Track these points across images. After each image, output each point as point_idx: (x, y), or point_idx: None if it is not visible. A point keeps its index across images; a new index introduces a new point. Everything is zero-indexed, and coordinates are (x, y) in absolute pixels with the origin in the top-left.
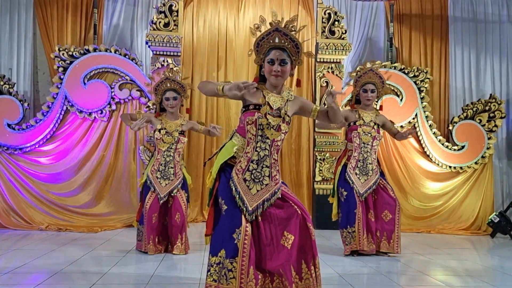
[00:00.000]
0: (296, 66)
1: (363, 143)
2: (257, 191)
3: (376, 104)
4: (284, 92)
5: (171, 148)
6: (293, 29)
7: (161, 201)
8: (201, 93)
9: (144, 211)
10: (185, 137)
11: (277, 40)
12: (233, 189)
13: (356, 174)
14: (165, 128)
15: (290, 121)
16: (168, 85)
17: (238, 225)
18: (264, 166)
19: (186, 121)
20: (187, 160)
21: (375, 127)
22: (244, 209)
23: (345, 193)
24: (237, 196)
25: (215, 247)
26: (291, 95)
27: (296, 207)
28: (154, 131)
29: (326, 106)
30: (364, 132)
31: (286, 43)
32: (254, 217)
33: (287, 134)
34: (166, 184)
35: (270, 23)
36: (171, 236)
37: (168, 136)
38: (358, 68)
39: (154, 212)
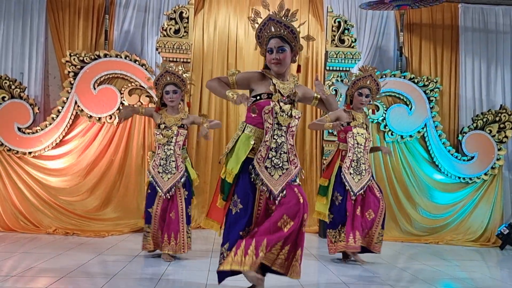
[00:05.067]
0: (298, 52)
1: (357, 143)
2: (279, 176)
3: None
4: (290, 79)
5: (171, 142)
6: (287, 16)
7: (165, 196)
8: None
9: (155, 217)
10: (186, 130)
11: (273, 29)
12: (255, 178)
13: (350, 174)
14: (164, 123)
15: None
16: (168, 78)
17: (250, 224)
18: (282, 152)
19: (187, 116)
20: (194, 167)
21: (367, 128)
22: (269, 194)
23: (340, 197)
24: (260, 183)
25: (223, 240)
26: (296, 81)
27: (299, 196)
28: (154, 127)
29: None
30: (358, 133)
31: (282, 31)
32: (279, 200)
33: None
34: (168, 179)
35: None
36: (164, 234)
37: (168, 130)
38: (359, 69)
39: (166, 212)
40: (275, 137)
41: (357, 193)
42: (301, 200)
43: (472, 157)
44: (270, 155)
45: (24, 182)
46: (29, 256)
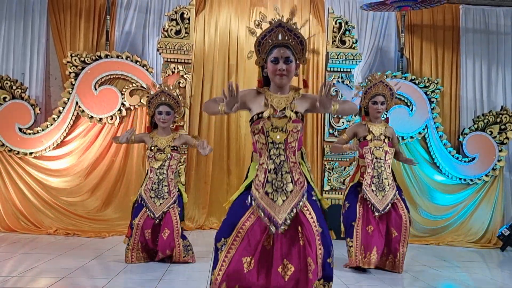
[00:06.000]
0: (301, 66)
1: (376, 158)
2: (283, 201)
3: (385, 115)
4: (290, 92)
5: (164, 166)
6: (294, 25)
7: (156, 221)
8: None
9: (136, 228)
10: (179, 153)
11: (280, 37)
12: (256, 206)
13: (372, 191)
14: (156, 145)
15: (301, 118)
16: (163, 98)
17: (226, 235)
18: (283, 172)
19: (179, 135)
20: (195, 168)
21: (386, 140)
22: (273, 225)
23: (347, 205)
24: (262, 213)
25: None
26: (299, 93)
27: (304, 237)
28: (146, 149)
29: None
30: (375, 147)
31: (290, 40)
32: (284, 230)
33: (301, 133)
34: (160, 204)
35: (270, 22)
36: (159, 251)
37: (160, 153)
38: (367, 79)
39: (147, 229)
40: (272, 157)
41: (382, 211)
42: (301, 243)
43: (473, 158)
44: (269, 178)
45: (25, 182)
46: (30, 257)
